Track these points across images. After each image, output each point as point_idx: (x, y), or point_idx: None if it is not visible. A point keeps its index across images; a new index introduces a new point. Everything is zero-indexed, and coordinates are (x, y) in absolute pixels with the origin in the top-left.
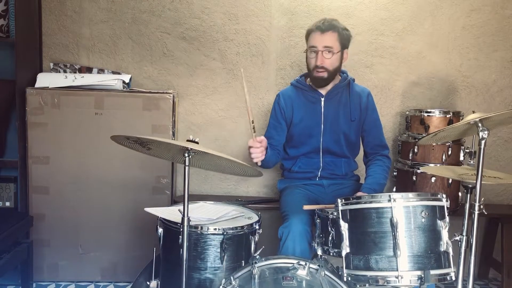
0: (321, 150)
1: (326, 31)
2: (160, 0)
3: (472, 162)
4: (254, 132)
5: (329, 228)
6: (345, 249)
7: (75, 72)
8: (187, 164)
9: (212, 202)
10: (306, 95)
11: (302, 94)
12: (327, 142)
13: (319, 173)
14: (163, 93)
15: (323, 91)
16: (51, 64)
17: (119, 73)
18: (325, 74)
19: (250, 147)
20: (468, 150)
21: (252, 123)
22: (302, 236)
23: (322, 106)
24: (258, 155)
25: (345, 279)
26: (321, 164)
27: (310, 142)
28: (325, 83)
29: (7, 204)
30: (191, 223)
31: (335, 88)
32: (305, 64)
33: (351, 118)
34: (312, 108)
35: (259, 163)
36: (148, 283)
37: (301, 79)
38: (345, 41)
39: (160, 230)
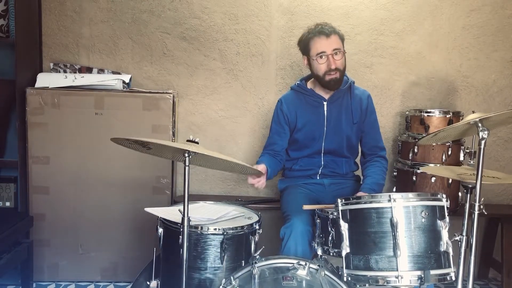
0: (322, 151)
1: (331, 35)
2: (160, 0)
3: (472, 162)
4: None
5: (329, 228)
6: (345, 249)
7: (75, 72)
8: (187, 164)
9: (212, 202)
10: (308, 99)
11: (304, 99)
12: (329, 144)
13: (320, 170)
14: (163, 93)
15: (325, 95)
16: (51, 64)
17: (119, 73)
18: (338, 75)
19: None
20: (468, 150)
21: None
22: (304, 236)
23: (325, 110)
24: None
25: (345, 279)
26: (322, 163)
27: (313, 145)
28: (340, 84)
29: (7, 204)
30: (191, 223)
31: (338, 92)
32: (305, 64)
33: (353, 121)
34: (315, 113)
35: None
36: (148, 283)
37: (302, 83)
38: (343, 40)
39: (160, 230)
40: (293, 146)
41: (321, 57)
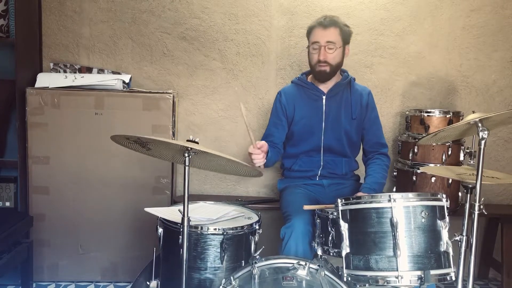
0: (322, 149)
1: (329, 27)
2: (160, 0)
3: (472, 162)
4: (253, 139)
5: (329, 228)
6: (345, 249)
7: (75, 72)
8: (187, 164)
9: (212, 202)
10: (307, 92)
11: (304, 91)
12: (329, 140)
13: (319, 171)
14: (163, 93)
15: (324, 89)
16: (51, 64)
17: (119, 73)
18: (327, 68)
19: (250, 153)
20: (468, 150)
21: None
22: (304, 237)
23: (324, 103)
24: (260, 160)
25: (345, 279)
26: (321, 163)
27: (311, 140)
28: (328, 77)
29: (7, 204)
30: (191, 223)
31: (337, 86)
32: (305, 64)
33: (352, 116)
34: (313, 106)
35: (262, 166)
36: (148, 283)
37: (303, 77)
38: (346, 36)
39: (160, 230)
40: (290, 140)
41: (314, 47)
